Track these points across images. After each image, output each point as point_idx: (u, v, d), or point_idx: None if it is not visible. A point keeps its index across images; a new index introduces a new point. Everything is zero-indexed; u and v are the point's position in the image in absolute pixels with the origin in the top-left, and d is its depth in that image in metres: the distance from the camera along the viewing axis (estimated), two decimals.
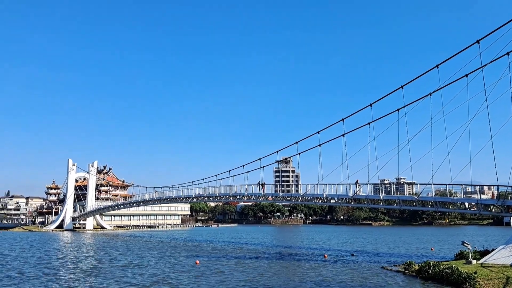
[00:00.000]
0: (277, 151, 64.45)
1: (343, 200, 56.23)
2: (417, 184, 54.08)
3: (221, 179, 77.27)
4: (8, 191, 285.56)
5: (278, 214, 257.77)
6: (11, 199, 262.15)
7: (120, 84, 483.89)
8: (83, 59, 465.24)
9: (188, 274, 35.39)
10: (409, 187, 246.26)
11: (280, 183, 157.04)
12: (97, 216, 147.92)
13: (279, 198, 68.87)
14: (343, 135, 53.85)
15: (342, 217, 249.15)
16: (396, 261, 45.49)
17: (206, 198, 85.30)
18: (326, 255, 52.97)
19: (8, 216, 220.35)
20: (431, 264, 34.00)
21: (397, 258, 50.26)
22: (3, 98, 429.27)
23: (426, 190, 49.33)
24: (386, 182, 62.86)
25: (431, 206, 48.20)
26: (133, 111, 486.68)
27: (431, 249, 63.11)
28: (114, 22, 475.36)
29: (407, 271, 36.22)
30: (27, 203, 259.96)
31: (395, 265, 41.46)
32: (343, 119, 54.37)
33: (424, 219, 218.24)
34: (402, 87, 48.53)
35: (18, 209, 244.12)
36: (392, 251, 61.33)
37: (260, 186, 66.72)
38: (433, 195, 46.54)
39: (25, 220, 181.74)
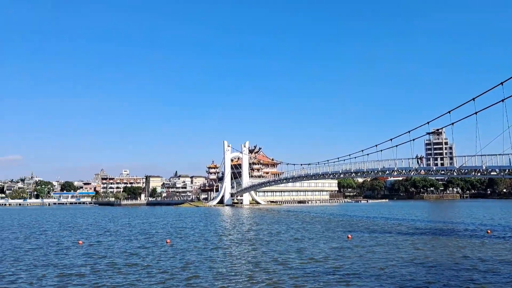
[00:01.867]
0: (427, 122, 61.01)
1: (505, 172, 51.91)
2: None
3: (368, 154, 76.40)
4: (176, 172, 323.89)
5: (431, 189, 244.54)
6: (179, 179, 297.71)
7: (259, 66, 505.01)
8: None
9: (344, 250, 36.72)
10: None
11: (433, 156, 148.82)
12: (252, 192, 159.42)
13: (432, 172, 66.14)
14: (502, 100, 48.79)
15: (504, 190, 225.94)
16: None
17: (353, 173, 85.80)
18: (489, 231, 50.02)
19: (177, 194, 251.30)
20: None
21: None
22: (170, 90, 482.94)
23: None
24: None
25: None
26: (273, 91, 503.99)
27: None
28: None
29: None
30: (192, 182, 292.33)
31: None
32: (502, 83, 49.24)
33: None
34: None
35: (185, 187, 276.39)
36: None
37: (418, 160, 65.00)
38: None
39: (191, 197, 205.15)
